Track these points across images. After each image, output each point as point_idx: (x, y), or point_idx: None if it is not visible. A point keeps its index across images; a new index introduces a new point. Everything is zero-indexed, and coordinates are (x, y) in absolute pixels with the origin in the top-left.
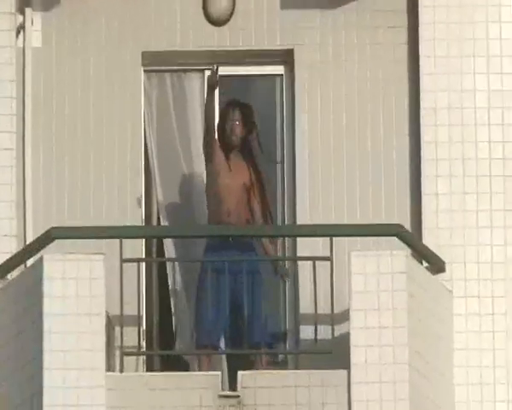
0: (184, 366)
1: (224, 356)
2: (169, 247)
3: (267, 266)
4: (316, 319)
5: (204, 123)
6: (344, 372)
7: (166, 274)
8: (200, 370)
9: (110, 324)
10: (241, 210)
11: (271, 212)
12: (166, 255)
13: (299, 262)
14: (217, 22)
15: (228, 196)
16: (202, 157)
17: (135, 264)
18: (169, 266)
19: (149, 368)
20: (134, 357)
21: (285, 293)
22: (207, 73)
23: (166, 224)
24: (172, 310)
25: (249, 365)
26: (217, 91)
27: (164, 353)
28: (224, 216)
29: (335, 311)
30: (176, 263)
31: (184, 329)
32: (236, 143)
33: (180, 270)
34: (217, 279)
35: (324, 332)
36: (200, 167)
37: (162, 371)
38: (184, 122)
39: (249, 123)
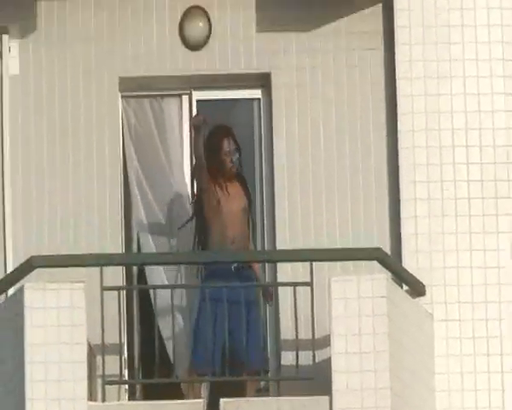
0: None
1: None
2: (151, 272)
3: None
4: (297, 345)
5: (195, 160)
6: (326, 399)
7: (147, 301)
8: (194, 397)
9: (92, 352)
10: (244, 236)
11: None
12: (148, 281)
13: (280, 287)
14: (193, 47)
15: (232, 222)
16: (183, 181)
17: (115, 291)
18: (152, 292)
19: (134, 396)
20: (116, 386)
21: (266, 319)
22: (184, 97)
23: (147, 250)
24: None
25: (234, 391)
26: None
27: (145, 381)
28: (228, 243)
29: (316, 336)
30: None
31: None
32: (236, 171)
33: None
34: (213, 307)
35: (305, 358)
36: (180, 192)
37: (145, 399)
38: (163, 147)
39: (238, 146)
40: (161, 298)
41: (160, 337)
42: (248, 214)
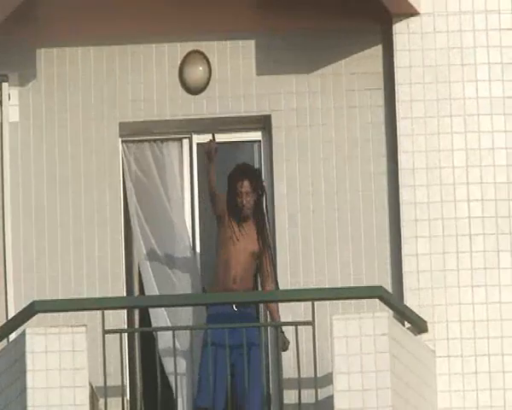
0: None
1: None
2: (154, 311)
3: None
4: (299, 384)
5: (208, 191)
6: None
7: (150, 342)
8: None
9: (94, 395)
10: (247, 278)
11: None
12: (152, 320)
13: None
14: (193, 91)
15: (236, 262)
16: (183, 223)
17: (117, 334)
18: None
19: None
20: None
21: (268, 358)
22: (185, 141)
23: (149, 289)
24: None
25: None
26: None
27: None
28: (230, 283)
29: (319, 375)
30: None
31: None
32: (249, 214)
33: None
34: (214, 351)
35: (308, 396)
36: (181, 233)
37: None
38: (164, 190)
39: (259, 188)
40: (164, 338)
41: (163, 379)
42: (259, 258)
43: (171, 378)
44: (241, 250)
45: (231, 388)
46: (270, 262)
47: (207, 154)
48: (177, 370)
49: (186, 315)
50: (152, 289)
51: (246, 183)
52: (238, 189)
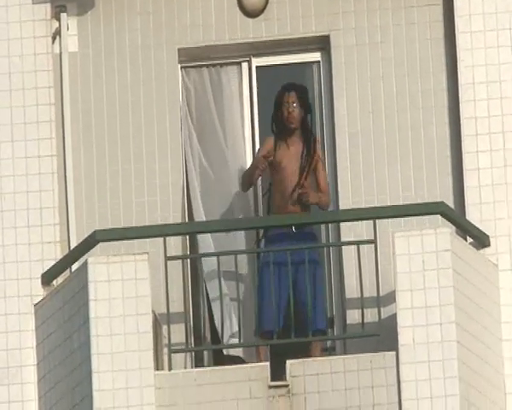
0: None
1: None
2: (204, 242)
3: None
4: (362, 303)
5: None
6: (392, 354)
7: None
8: (258, 361)
9: (157, 323)
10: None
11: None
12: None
13: (344, 247)
14: (251, 13)
15: (291, 183)
16: (243, 149)
17: (179, 261)
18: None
19: (200, 364)
20: (182, 354)
21: (330, 279)
22: (244, 65)
23: (199, 218)
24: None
25: (297, 353)
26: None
27: (210, 348)
28: (288, 205)
29: (381, 293)
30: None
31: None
32: (295, 126)
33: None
34: (275, 271)
35: (371, 315)
36: (240, 160)
37: (215, 365)
38: (223, 115)
39: (305, 104)
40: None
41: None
42: (315, 170)
43: (228, 303)
44: (294, 172)
45: (294, 307)
46: (324, 178)
47: (257, 172)
48: (239, 294)
49: (231, 241)
50: (200, 215)
51: (292, 93)
52: (284, 100)
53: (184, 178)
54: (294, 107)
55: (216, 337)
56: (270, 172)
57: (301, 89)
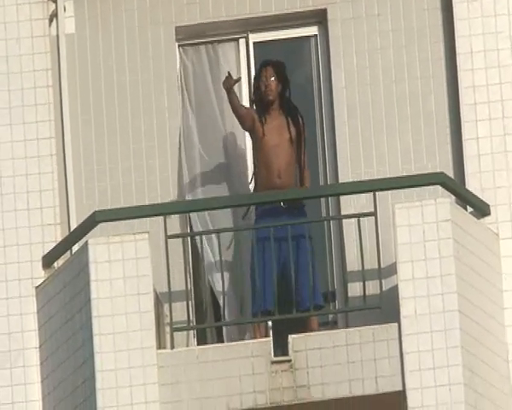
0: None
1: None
2: (198, 221)
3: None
4: (363, 276)
5: (234, 114)
6: (394, 326)
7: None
8: (254, 337)
9: (158, 301)
10: (290, 171)
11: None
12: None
13: (344, 220)
14: None
15: (276, 155)
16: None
17: (179, 240)
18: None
19: (202, 342)
20: (184, 333)
21: (331, 252)
22: (241, 41)
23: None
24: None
25: (297, 328)
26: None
27: (212, 325)
28: (274, 178)
29: (382, 265)
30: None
31: (232, 299)
32: (273, 98)
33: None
34: (266, 246)
35: (372, 288)
36: (238, 137)
37: (217, 342)
38: (221, 92)
39: (283, 79)
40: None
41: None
42: (297, 145)
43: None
44: (278, 145)
45: (284, 282)
46: (304, 153)
47: (226, 90)
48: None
49: (225, 218)
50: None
51: (269, 68)
52: (262, 75)
53: (182, 151)
54: (272, 80)
55: (218, 314)
56: (253, 148)
57: (278, 64)
